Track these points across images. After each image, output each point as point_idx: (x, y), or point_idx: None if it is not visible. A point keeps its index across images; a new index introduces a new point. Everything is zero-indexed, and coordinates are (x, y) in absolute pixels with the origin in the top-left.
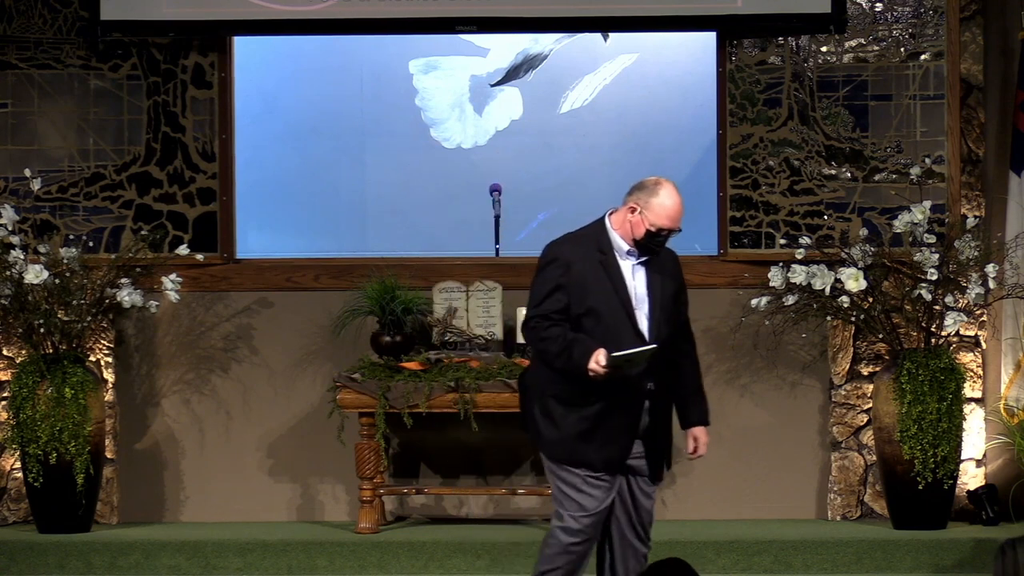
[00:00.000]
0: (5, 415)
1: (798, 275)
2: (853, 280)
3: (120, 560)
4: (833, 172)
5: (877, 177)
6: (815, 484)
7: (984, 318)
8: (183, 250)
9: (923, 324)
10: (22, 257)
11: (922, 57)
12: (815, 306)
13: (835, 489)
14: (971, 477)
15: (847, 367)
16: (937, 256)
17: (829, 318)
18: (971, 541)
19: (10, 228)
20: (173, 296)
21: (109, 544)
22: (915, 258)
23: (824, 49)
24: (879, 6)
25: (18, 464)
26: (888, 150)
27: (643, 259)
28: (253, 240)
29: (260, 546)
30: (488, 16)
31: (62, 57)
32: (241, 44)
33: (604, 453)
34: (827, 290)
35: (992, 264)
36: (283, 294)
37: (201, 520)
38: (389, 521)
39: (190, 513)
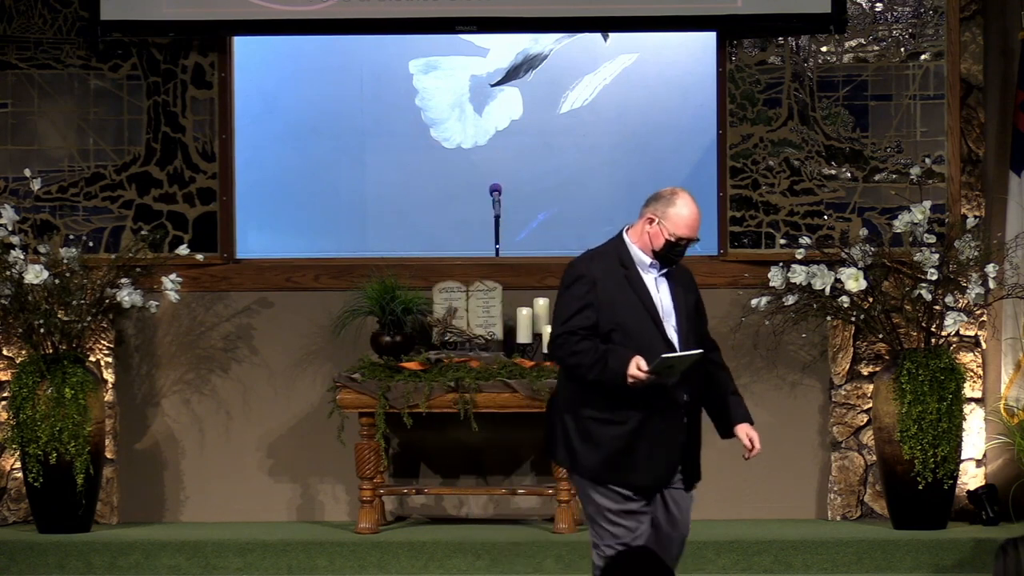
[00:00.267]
0: (5, 415)
1: (798, 275)
2: (853, 280)
3: (120, 560)
4: (833, 172)
5: (877, 177)
6: (815, 484)
7: (984, 318)
8: (183, 250)
9: (923, 324)
10: (22, 257)
11: (922, 57)
12: (815, 306)
13: (835, 489)
14: (971, 477)
15: (847, 367)
16: (937, 256)
17: (829, 318)
18: (971, 541)
19: (10, 228)
20: (173, 296)
21: (109, 544)
22: (915, 258)
23: (824, 49)
24: (879, 6)
25: (18, 464)
26: (888, 150)
27: (664, 271)
28: (253, 240)
29: (260, 546)
30: (488, 16)
31: (62, 57)
32: (241, 44)
33: (649, 471)
34: (827, 290)
35: (992, 264)
36: (283, 294)
37: (201, 520)
38: (389, 521)
39: (190, 513)
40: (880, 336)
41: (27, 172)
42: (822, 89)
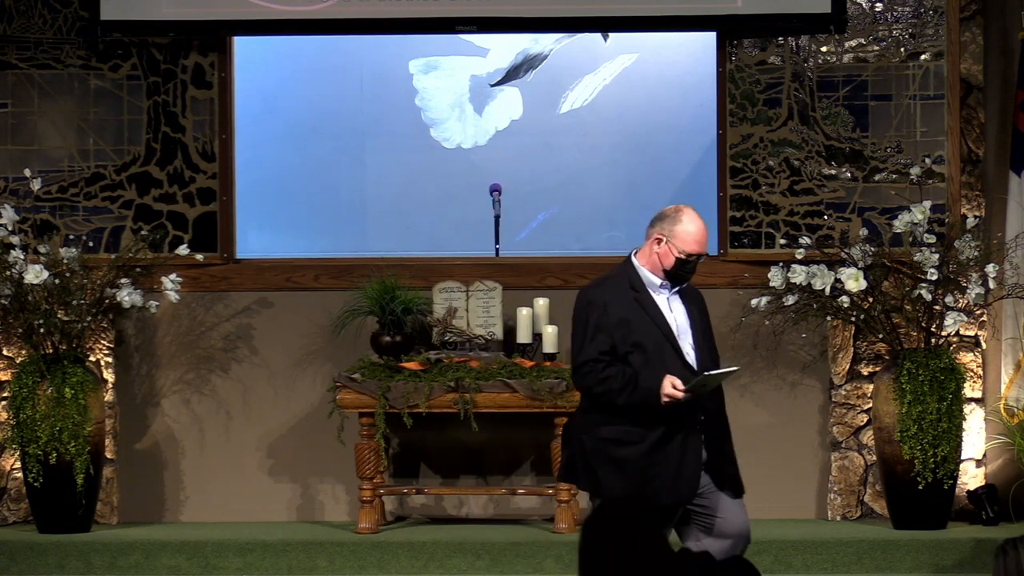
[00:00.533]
0: (5, 415)
1: (798, 275)
2: (853, 280)
3: (120, 560)
4: (833, 172)
5: (877, 177)
6: (815, 484)
7: (984, 318)
8: (183, 250)
9: (923, 324)
10: (22, 257)
11: (922, 57)
12: (815, 306)
13: (835, 489)
14: (971, 477)
15: (847, 367)
16: (937, 256)
17: (829, 318)
18: (971, 541)
19: (10, 228)
20: (173, 296)
21: (109, 544)
22: (915, 258)
23: (824, 49)
24: (879, 6)
25: (18, 464)
26: (888, 150)
27: (676, 291)
28: (253, 240)
29: (260, 546)
30: (488, 16)
31: (62, 57)
32: (241, 44)
33: (672, 490)
34: (827, 290)
35: (992, 264)
36: (283, 294)
37: (201, 520)
38: (389, 521)
39: (190, 513)
40: (880, 336)
41: (27, 172)
42: (822, 89)
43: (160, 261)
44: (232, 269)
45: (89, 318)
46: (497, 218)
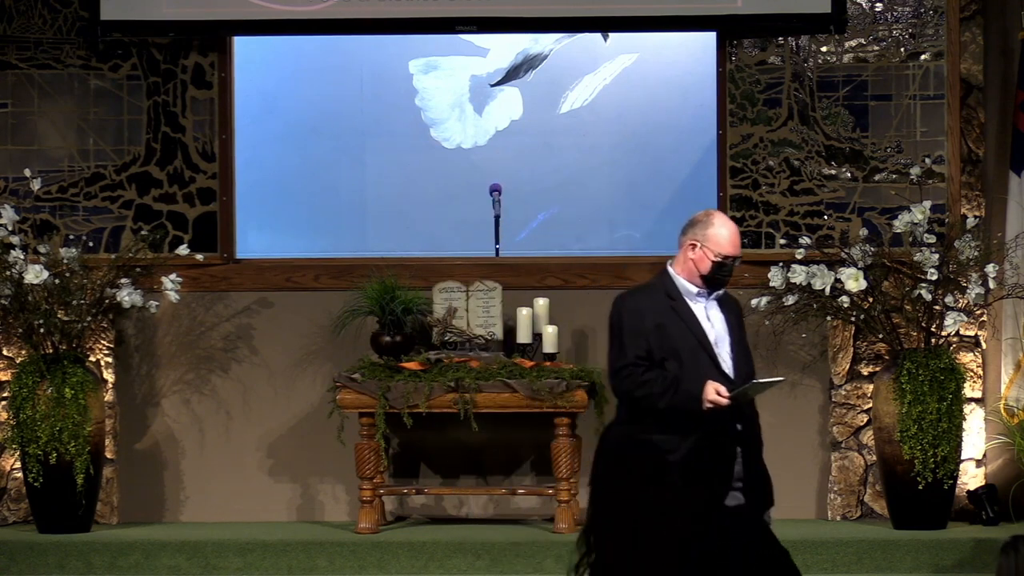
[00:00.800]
0: (5, 415)
1: (798, 275)
2: (853, 280)
3: (120, 560)
4: (833, 172)
5: (877, 177)
6: (815, 484)
7: (984, 318)
8: (183, 250)
9: (923, 324)
10: (22, 257)
11: (922, 57)
12: (815, 306)
13: (835, 489)
14: (971, 477)
15: (847, 367)
16: (937, 256)
17: (829, 318)
18: (971, 541)
19: (10, 228)
20: (173, 296)
21: (109, 544)
22: (915, 258)
23: (824, 49)
24: (879, 6)
25: (18, 464)
26: (888, 150)
27: (713, 298)
28: (253, 240)
29: (260, 546)
30: (488, 16)
31: (62, 57)
32: (241, 44)
33: (706, 497)
34: (827, 290)
35: (992, 264)
36: (283, 294)
37: (201, 520)
38: (389, 521)
39: (190, 513)
40: (880, 336)
41: (27, 172)
42: (822, 89)
43: (160, 261)
44: (232, 269)
45: (89, 318)
46: (497, 218)
